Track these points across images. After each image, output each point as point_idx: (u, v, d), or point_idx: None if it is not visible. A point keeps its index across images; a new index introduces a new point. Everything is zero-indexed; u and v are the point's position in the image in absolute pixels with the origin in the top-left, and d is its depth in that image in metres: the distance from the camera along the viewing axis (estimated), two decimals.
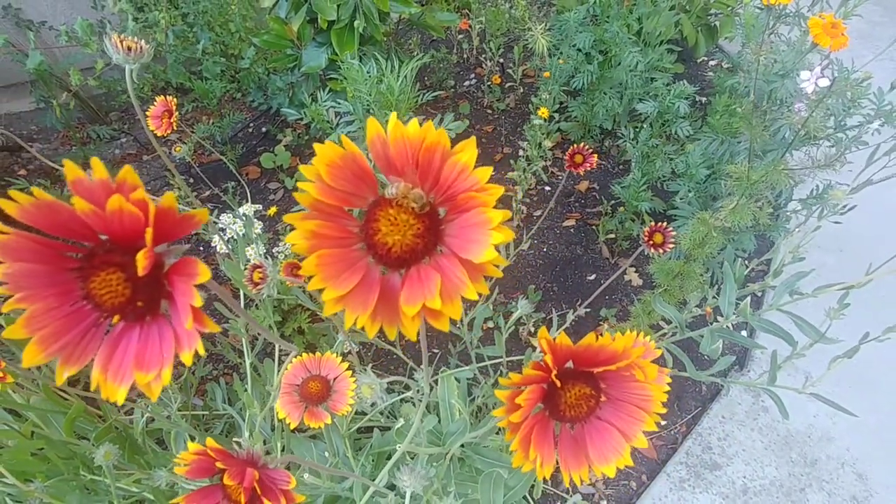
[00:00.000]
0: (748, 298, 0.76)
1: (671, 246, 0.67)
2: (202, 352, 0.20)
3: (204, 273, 0.20)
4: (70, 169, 0.19)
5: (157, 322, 0.21)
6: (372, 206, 0.22)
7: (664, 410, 0.28)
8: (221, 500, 0.32)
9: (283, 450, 0.62)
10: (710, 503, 1.19)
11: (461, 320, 0.99)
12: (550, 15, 2.25)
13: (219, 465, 0.29)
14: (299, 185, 0.21)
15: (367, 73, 1.05)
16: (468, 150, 0.21)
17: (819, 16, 0.89)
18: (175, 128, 0.86)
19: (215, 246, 0.96)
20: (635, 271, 1.61)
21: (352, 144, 0.21)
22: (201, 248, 1.77)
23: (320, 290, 0.20)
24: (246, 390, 0.59)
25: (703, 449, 1.27)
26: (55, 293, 0.21)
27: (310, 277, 0.20)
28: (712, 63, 2.20)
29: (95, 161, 0.20)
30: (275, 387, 0.45)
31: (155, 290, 0.21)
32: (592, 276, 1.61)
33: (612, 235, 1.66)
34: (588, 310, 1.49)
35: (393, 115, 0.21)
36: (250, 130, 2.14)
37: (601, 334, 0.27)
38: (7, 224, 0.21)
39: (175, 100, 0.88)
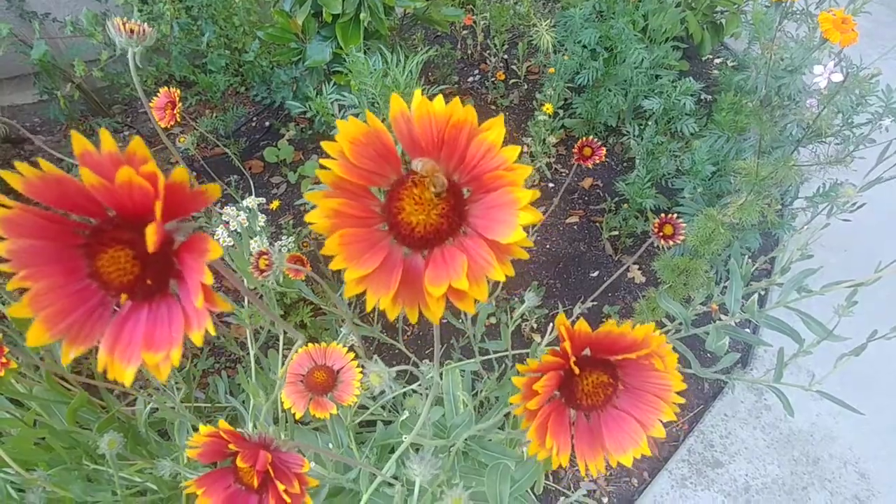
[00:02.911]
0: (755, 296, 0.76)
1: (682, 238, 0.66)
2: (213, 331, 0.19)
3: (215, 249, 0.19)
4: (78, 140, 0.19)
5: (166, 301, 0.21)
6: (395, 185, 0.22)
7: (682, 401, 0.28)
8: (233, 483, 0.31)
9: None
10: (712, 501, 1.19)
11: (464, 314, 0.99)
12: (555, 11, 2.24)
13: (231, 447, 0.29)
14: (322, 161, 0.20)
15: (373, 66, 1.05)
16: (496, 129, 0.20)
17: (829, 11, 0.88)
18: (178, 119, 0.86)
19: (219, 239, 0.96)
20: (638, 268, 1.61)
21: (376, 120, 0.21)
22: None
23: (338, 271, 0.19)
24: (250, 381, 0.59)
25: (706, 446, 1.27)
26: (60, 271, 0.20)
27: (330, 258, 0.19)
28: (717, 61, 2.19)
29: (104, 132, 0.19)
30: (280, 376, 0.45)
31: (164, 269, 0.20)
32: (595, 273, 1.61)
33: (616, 232, 1.66)
34: (594, 303, 1.49)
35: (417, 92, 0.21)
36: (253, 124, 2.13)
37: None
38: (11, 198, 0.20)
39: (179, 91, 0.87)
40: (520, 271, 1.62)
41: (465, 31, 2.32)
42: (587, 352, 0.28)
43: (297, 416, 0.50)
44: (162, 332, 0.20)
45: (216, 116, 2.01)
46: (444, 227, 0.21)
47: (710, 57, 2.20)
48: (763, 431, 1.28)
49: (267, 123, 2.12)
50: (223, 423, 0.29)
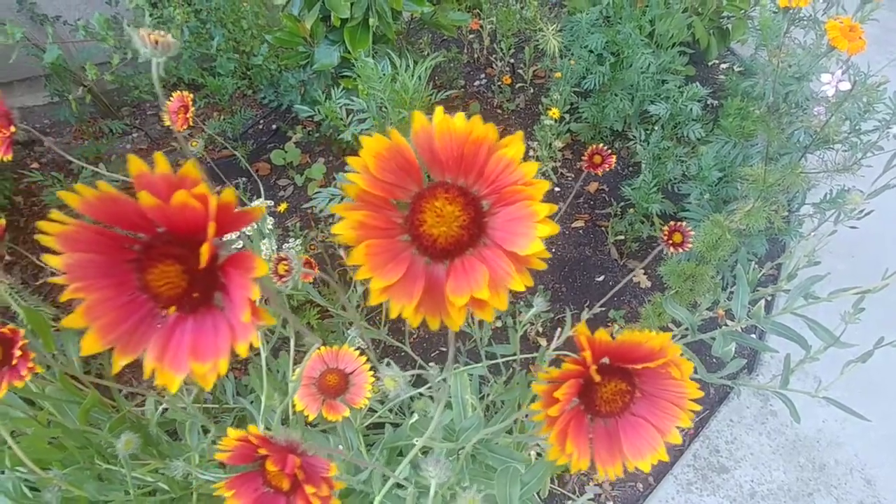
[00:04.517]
0: (762, 301, 0.76)
1: (690, 245, 0.67)
2: (257, 343, 0.20)
3: (261, 267, 0.20)
4: (134, 163, 0.20)
5: (211, 313, 0.22)
6: (416, 198, 0.23)
7: (698, 408, 0.28)
8: (261, 486, 0.32)
9: None
10: None
11: (472, 319, 0.99)
12: (561, 16, 2.24)
13: (261, 451, 0.30)
14: (347, 175, 0.21)
15: (382, 71, 1.06)
16: (515, 145, 0.21)
17: (837, 19, 0.89)
18: (191, 123, 0.87)
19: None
20: (644, 273, 1.61)
21: (399, 136, 0.21)
22: None
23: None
24: (264, 383, 0.59)
25: (711, 452, 1.27)
26: (111, 284, 0.21)
27: (355, 267, 0.20)
28: (723, 66, 2.20)
29: (159, 156, 0.20)
30: (295, 378, 0.46)
31: (210, 283, 0.21)
32: (601, 278, 1.61)
33: (622, 237, 1.66)
34: (602, 309, 1.49)
35: (439, 109, 0.21)
36: (260, 127, 2.15)
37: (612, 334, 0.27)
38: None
39: (191, 95, 0.88)
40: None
41: (471, 36, 2.34)
42: (605, 360, 0.28)
43: (310, 419, 0.51)
44: (207, 343, 0.21)
45: (224, 119, 2.03)
46: (465, 238, 0.22)
47: (716, 62, 2.20)
48: (769, 437, 1.28)
49: (274, 126, 2.13)
50: (253, 428, 0.30)
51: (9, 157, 0.54)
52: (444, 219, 0.22)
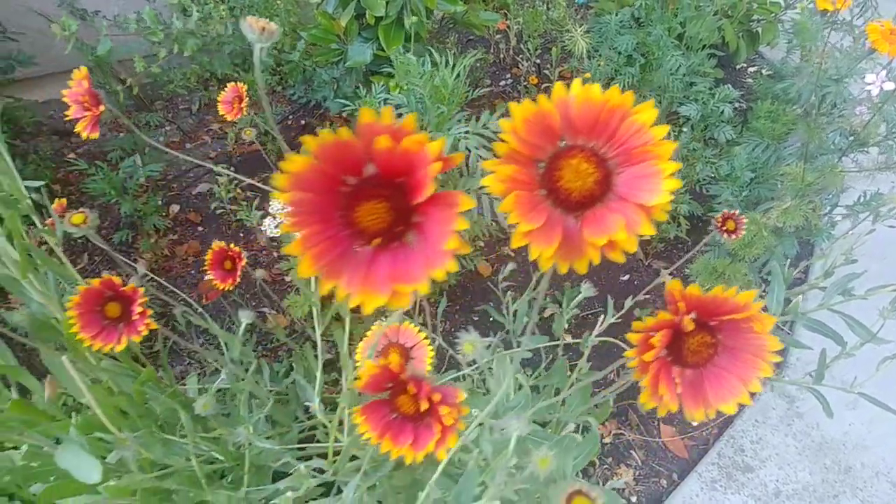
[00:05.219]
0: (800, 297, 0.78)
1: (743, 233, 0.69)
2: (454, 268, 0.23)
3: (465, 202, 0.23)
4: (364, 114, 0.23)
5: (403, 249, 0.25)
6: (554, 157, 0.26)
7: (779, 359, 0.31)
8: (388, 414, 0.36)
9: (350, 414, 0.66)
10: None
11: (507, 310, 1.02)
12: (588, 17, 2.26)
13: (402, 377, 0.33)
14: (500, 135, 0.24)
15: (422, 68, 1.09)
16: (647, 111, 0.24)
17: (877, 22, 0.90)
18: (245, 113, 0.91)
19: (265, 229, 1.01)
20: (669, 274, 1.62)
21: (547, 102, 0.24)
22: (241, 235, 1.83)
23: (512, 226, 0.23)
24: (342, 350, 0.63)
25: (736, 451, 1.28)
26: (321, 219, 0.24)
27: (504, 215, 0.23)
28: (751, 69, 2.20)
29: (386, 109, 0.23)
30: (366, 348, 0.49)
31: (408, 219, 0.25)
32: (626, 277, 1.63)
33: (647, 237, 1.68)
34: (635, 306, 1.51)
35: (577, 81, 0.24)
36: (289, 123, 2.19)
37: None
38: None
39: (245, 87, 0.92)
40: (551, 274, 1.64)
41: (497, 36, 2.36)
42: (693, 315, 0.31)
43: None
44: (405, 271, 0.24)
45: (255, 114, 2.07)
46: (597, 192, 0.25)
47: (744, 65, 2.21)
48: (794, 438, 1.29)
49: (303, 122, 2.17)
50: (394, 358, 0.33)
51: (95, 135, 0.58)
52: (580, 174, 0.25)
